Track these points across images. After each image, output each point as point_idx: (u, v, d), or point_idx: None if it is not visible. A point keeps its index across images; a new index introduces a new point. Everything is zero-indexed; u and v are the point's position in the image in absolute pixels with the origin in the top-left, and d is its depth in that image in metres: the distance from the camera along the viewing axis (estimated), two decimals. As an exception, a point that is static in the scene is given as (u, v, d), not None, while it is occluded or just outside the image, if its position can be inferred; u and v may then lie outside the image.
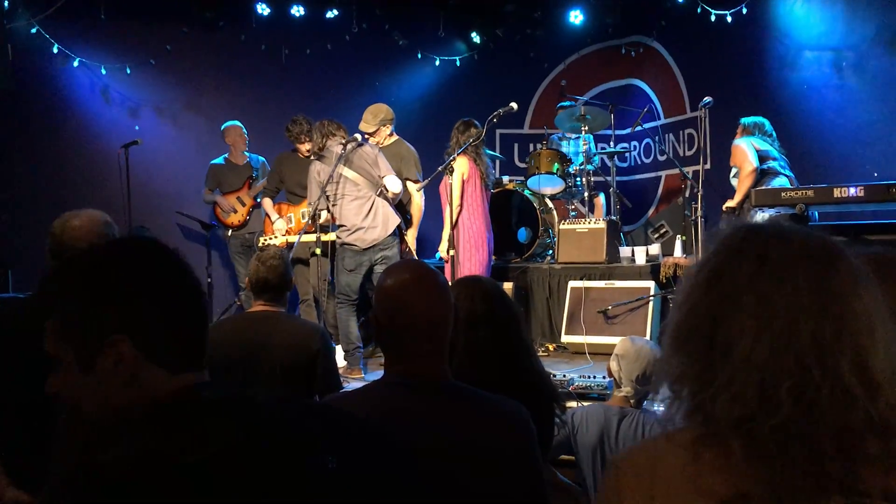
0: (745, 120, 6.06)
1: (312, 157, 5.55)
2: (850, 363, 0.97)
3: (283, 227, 6.23)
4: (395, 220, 5.55)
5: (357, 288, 5.49)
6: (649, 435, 2.66)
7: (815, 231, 1.09)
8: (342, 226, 5.49)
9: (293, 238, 5.92)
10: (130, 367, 1.18)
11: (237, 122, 7.18)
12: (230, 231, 7.06)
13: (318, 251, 5.47)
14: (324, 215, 5.59)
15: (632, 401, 2.88)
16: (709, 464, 1.02)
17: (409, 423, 1.64)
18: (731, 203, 5.83)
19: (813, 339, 0.98)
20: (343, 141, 5.42)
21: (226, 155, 7.18)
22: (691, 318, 1.07)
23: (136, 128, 7.71)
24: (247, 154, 7.19)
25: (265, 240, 6.07)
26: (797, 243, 1.05)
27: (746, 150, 5.76)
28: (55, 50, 7.42)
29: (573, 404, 3.40)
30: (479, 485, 1.63)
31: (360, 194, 5.45)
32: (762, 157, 5.78)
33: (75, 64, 7.57)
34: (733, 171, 5.98)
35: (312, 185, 5.48)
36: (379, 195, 5.52)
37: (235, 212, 7.05)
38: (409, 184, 6.02)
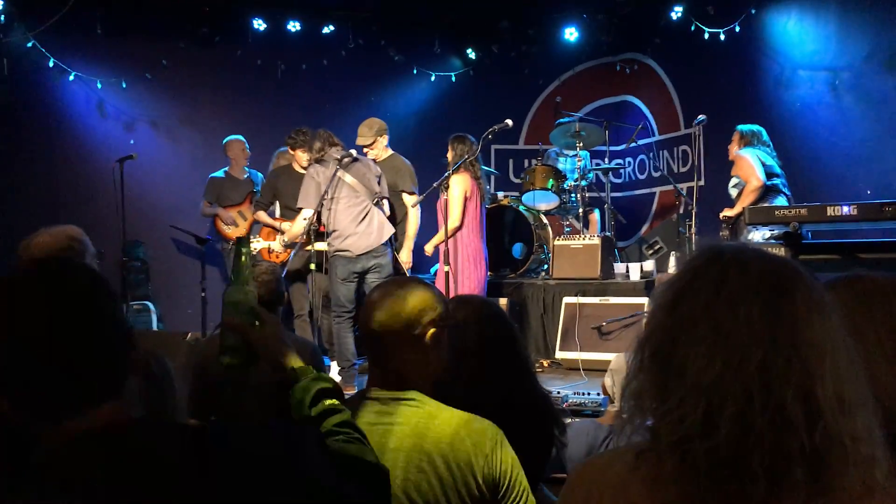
0: (742, 127, 5.95)
1: (311, 162, 5.50)
2: (794, 392, 0.99)
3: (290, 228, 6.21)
4: (389, 228, 5.55)
5: (352, 298, 5.43)
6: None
7: (778, 257, 1.10)
8: (334, 231, 5.39)
9: (276, 244, 5.89)
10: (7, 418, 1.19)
11: (240, 137, 7.13)
12: (230, 245, 7.00)
13: (312, 266, 5.45)
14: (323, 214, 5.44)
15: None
16: (642, 477, 1.06)
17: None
18: (729, 213, 5.77)
19: (761, 367, 1.00)
20: (339, 156, 5.40)
21: (226, 168, 7.14)
22: (654, 339, 1.10)
23: (132, 142, 7.72)
24: (246, 169, 7.17)
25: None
26: (754, 271, 1.06)
27: (754, 164, 5.64)
28: (51, 64, 7.42)
29: (567, 421, 3.40)
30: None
31: (357, 200, 5.41)
32: (768, 173, 5.68)
33: (71, 78, 7.58)
34: (734, 180, 5.85)
35: (310, 186, 5.39)
36: (375, 204, 5.52)
37: (237, 225, 7.02)
38: (405, 197, 6.02)
